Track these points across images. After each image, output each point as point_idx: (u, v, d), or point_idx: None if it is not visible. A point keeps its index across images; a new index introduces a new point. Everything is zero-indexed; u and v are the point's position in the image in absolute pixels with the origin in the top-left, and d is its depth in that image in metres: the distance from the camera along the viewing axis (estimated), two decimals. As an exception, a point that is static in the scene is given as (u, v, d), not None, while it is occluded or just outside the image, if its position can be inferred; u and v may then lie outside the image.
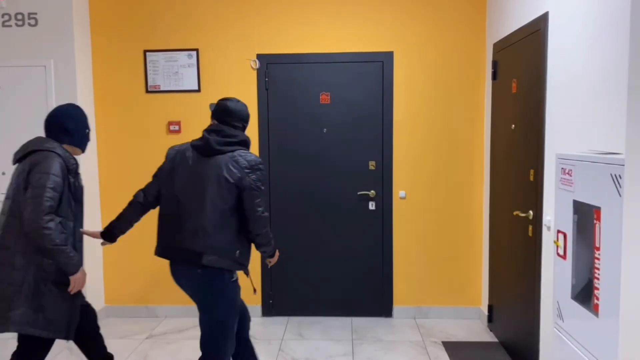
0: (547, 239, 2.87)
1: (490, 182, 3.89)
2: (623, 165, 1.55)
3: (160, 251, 2.59)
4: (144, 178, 4.22)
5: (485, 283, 4.06)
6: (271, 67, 4.08)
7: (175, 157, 2.59)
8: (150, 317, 4.30)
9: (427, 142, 4.12)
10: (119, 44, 4.16)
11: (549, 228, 2.84)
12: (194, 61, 4.13)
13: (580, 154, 1.96)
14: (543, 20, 2.88)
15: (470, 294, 4.19)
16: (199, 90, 4.15)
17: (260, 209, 2.47)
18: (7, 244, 2.44)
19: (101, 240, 2.82)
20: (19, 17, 3.89)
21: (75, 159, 2.60)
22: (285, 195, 4.12)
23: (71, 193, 2.54)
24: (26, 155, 2.50)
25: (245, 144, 2.57)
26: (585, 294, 1.88)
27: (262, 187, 2.49)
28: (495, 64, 3.76)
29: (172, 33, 4.13)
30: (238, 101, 2.72)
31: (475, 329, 4.00)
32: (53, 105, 3.92)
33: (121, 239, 4.48)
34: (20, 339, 2.54)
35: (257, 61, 4.10)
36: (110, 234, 2.80)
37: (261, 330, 4.01)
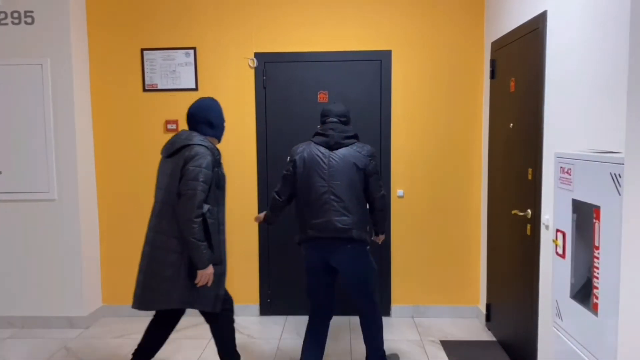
0: (546, 237, 2.87)
1: (489, 181, 3.89)
2: (622, 164, 1.55)
3: (306, 237, 2.96)
4: (141, 176, 4.23)
5: (483, 282, 4.06)
6: (269, 66, 4.07)
7: (303, 156, 2.97)
8: (148, 316, 4.27)
9: (425, 141, 4.12)
10: (116, 43, 4.14)
11: (547, 227, 2.84)
12: (192, 60, 4.12)
13: (580, 152, 1.96)
14: (542, 18, 2.88)
15: (468, 293, 4.20)
16: (196, 89, 4.14)
17: (382, 189, 3.03)
18: (163, 229, 2.74)
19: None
20: (15, 15, 3.87)
21: (218, 150, 2.89)
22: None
23: (216, 182, 2.79)
24: (178, 150, 2.74)
25: (357, 137, 3.02)
26: (584, 293, 1.88)
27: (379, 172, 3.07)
28: (493, 63, 3.75)
29: (170, 31, 4.11)
30: (337, 102, 3.18)
31: (473, 328, 4.00)
32: (50, 104, 3.91)
33: (118, 236, 4.47)
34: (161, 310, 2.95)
35: (255, 60, 4.09)
36: (271, 223, 3.33)
37: (259, 329, 4.00)
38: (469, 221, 4.16)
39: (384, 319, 4.15)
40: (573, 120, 2.57)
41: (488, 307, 3.91)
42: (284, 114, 4.08)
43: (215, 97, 4.20)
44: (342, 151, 2.92)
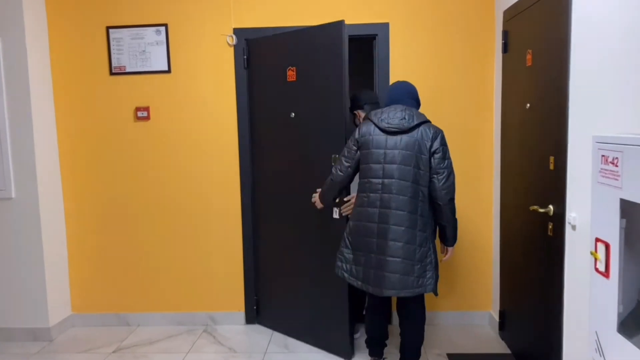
0: (572, 238, 2.38)
1: (502, 172, 3.39)
2: None
3: None
4: (112, 170, 3.79)
5: (495, 286, 3.59)
6: (251, 44, 3.58)
7: None
8: (121, 325, 3.86)
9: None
10: (78, 20, 3.66)
11: (574, 227, 2.36)
12: (163, 38, 3.64)
13: (632, 136, 1.47)
14: (566, -25, 2.37)
15: (478, 297, 3.72)
16: (169, 71, 3.67)
17: None
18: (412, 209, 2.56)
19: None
20: (-41, -11, 3.40)
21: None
22: (268, 199, 3.64)
23: None
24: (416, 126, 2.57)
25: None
26: (634, 323, 1.40)
27: None
28: (505, 35, 3.24)
29: (138, 6, 3.63)
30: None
31: (484, 337, 3.53)
32: (2, 90, 3.46)
33: (88, 236, 4.04)
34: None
35: (234, 37, 3.60)
36: None
37: (243, 340, 3.56)
38: (479, 218, 3.67)
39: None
40: (608, 98, 2.07)
41: (502, 314, 3.44)
42: (269, 98, 3.58)
43: (191, 80, 3.77)
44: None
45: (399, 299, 2.75)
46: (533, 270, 2.87)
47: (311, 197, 3.07)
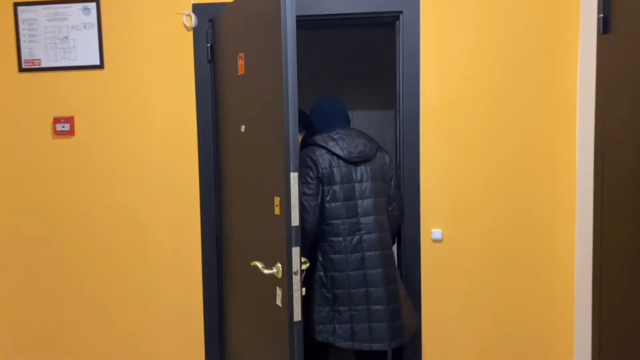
0: None
1: (596, 204, 2.20)
2: None
3: None
4: (22, 198, 2.66)
5: (582, 336, 2.36)
6: (216, 25, 2.46)
7: None
8: None
9: (479, 147, 2.47)
10: (-24, -6, 2.59)
11: None
12: (93, 19, 2.54)
13: None
14: None
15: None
16: (101, 67, 2.56)
17: None
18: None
19: None
20: None
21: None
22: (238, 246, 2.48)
23: None
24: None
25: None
26: None
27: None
28: (607, 4, 2.09)
29: (59, -26, 2.55)
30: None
31: None
32: None
33: None
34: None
35: (193, 16, 2.50)
36: None
37: None
38: (554, 272, 2.47)
39: None
40: None
41: None
42: (241, 98, 2.44)
43: (132, 80, 2.62)
44: None
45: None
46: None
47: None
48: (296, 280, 1.78)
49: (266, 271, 1.84)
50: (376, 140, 2.34)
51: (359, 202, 2.20)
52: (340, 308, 2.19)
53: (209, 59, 2.49)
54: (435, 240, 2.51)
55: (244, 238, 2.23)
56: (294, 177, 1.77)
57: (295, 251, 1.78)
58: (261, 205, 1.97)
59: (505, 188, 2.46)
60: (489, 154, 2.46)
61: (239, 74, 2.15)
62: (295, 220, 1.78)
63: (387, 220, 2.28)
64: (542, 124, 2.43)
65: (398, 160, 2.54)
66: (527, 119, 2.43)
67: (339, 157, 2.20)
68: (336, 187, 2.18)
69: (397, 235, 2.45)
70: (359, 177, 2.21)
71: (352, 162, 2.20)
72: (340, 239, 2.19)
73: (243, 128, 2.13)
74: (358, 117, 4.38)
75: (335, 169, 2.18)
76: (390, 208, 2.33)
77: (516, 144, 2.44)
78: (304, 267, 1.87)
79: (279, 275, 1.83)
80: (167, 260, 2.60)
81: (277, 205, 1.83)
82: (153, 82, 2.54)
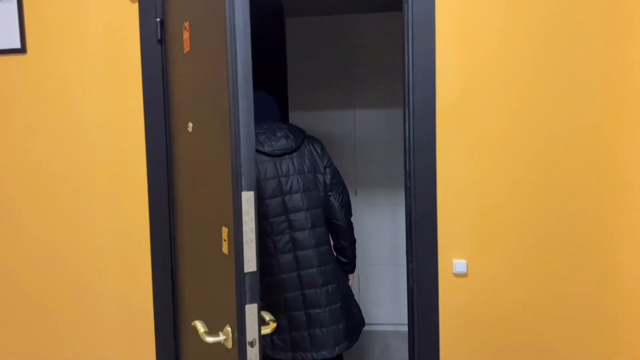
0: None
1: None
2: None
3: None
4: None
5: None
6: (168, -5, 1.88)
7: None
8: None
9: (516, 150, 1.85)
10: None
11: None
12: (12, -11, 1.98)
13: None
14: None
15: None
16: (23, 50, 1.98)
17: None
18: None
19: None
20: None
21: None
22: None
23: None
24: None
25: None
26: None
27: None
28: None
29: None
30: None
31: None
32: None
33: None
34: None
35: (138, -18, 1.92)
36: None
37: None
38: (624, 329, 1.84)
39: None
40: None
41: None
42: (188, 85, 1.85)
43: (64, 65, 2.00)
44: None
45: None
46: None
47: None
48: (252, 354, 1.18)
49: (209, 339, 1.24)
50: (303, 130, 2.22)
51: (286, 197, 2.05)
52: (277, 316, 2.04)
53: (159, 37, 1.91)
54: (458, 275, 1.89)
55: (192, 287, 1.63)
56: (247, 198, 1.17)
57: (251, 310, 1.18)
58: (207, 239, 1.38)
59: (552, 203, 1.84)
60: (528, 159, 1.84)
61: (184, 51, 1.56)
62: (250, 264, 1.18)
63: (327, 213, 2.14)
64: (603, 122, 1.80)
65: (407, 168, 1.93)
66: (582, 115, 1.81)
67: (260, 152, 2.07)
68: (259, 185, 2.04)
69: (348, 226, 2.21)
70: (284, 171, 2.07)
71: (275, 155, 2.07)
72: (267, 239, 2.05)
73: (190, 126, 1.53)
74: (362, 117, 3.78)
75: (257, 165, 2.04)
76: (330, 198, 2.14)
77: (567, 146, 1.82)
78: (266, 330, 1.26)
79: (229, 345, 1.23)
80: (106, 313, 2.01)
81: (224, 240, 1.24)
82: (88, 69, 1.96)
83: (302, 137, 2.16)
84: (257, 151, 2.06)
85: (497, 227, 1.86)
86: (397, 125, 3.74)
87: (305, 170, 2.10)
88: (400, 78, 3.66)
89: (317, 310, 2.02)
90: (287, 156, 2.09)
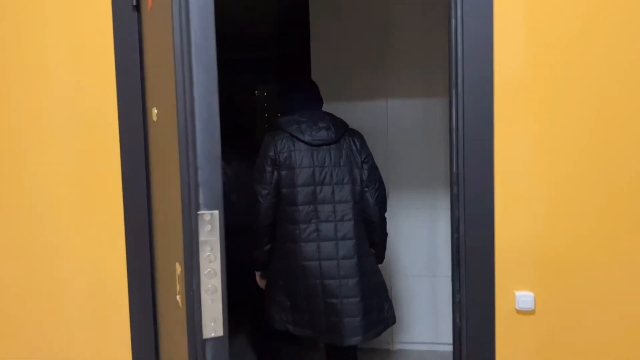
0: None
1: None
2: None
3: None
4: None
5: None
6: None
7: None
8: None
9: (603, 148, 1.36)
10: None
11: None
12: (-39, -54, 1.60)
13: None
14: None
15: None
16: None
17: None
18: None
19: None
20: None
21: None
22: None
23: None
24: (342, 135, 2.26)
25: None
26: None
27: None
28: None
29: None
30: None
31: None
32: None
33: None
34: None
35: None
36: None
37: None
38: None
39: None
40: None
41: None
42: (151, 58, 1.43)
43: (20, 38, 1.64)
44: None
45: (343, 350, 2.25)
46: None
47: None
48: None
49: None
50: (345, 123, 2.24)
51: (318, 188, 2.11)
52: (297, 299, 2.12)
53: (135, 2, 1.50)
54: (521, 311, 1.42)
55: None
56: (208, 220, 0.73)
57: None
58: (167, 278, 0.96)
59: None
60: (618, 160, 1.35)
61: (148, 10, 1.15)
62: (215, 325, 0.74)
63: (362, 208, 2.15)
64: None
65: (454, 169, 1.47)
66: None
67: (300, 140, 2.10)
68: (293, 172, 2.09)
69: (381, 222, 2.21)
70: (320, 162, 2.11)
71: (313, 145, 2.11)
72: (292, 226, 2.10)
73: (155, 114, 1.12)
74: (395, 108, 3.30)
75: (293, 153, 2.09)
76: (366, 194, 2.15)
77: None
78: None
79: None
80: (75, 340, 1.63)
81: (178, 283, 0.81)
82: (49, 43, 1.57)
83: (343, 130, 2.18)
84: (297, 138, 2.10)
85: (577, 249, 1.38)
86: (438, 115, 3.24)
87: (341, 163, 2.14)
88: (440, 61, 3.15)
89: (334, 301, 2.07)
90: (325, 147, 2.13)
